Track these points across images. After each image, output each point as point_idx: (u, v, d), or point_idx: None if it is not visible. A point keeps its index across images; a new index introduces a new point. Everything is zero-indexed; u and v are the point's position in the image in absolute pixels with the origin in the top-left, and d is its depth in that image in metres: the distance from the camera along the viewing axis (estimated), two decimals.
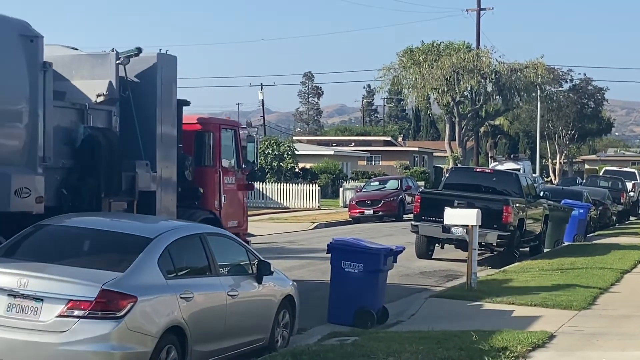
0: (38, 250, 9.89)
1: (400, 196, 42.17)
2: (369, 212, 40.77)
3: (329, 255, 14.90)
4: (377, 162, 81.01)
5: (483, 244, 22.39)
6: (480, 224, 17.72)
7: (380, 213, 41.04)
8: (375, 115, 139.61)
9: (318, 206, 49.01)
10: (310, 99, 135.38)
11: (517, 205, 23.78)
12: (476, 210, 17.85)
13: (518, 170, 38.50)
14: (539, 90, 57.04)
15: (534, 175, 51.29)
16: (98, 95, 13.82)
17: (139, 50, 14.36)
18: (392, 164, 75.36)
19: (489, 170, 30.28)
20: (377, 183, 46.19)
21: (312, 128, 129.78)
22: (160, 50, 14.87)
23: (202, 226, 11.36)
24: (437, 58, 52.07)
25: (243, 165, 18.17)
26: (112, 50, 14.17)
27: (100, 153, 13.18)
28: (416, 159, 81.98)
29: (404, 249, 16.02)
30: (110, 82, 13.91)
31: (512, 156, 63.13)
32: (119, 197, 13.56)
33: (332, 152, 69.93)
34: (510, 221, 22.95)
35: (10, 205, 11.48)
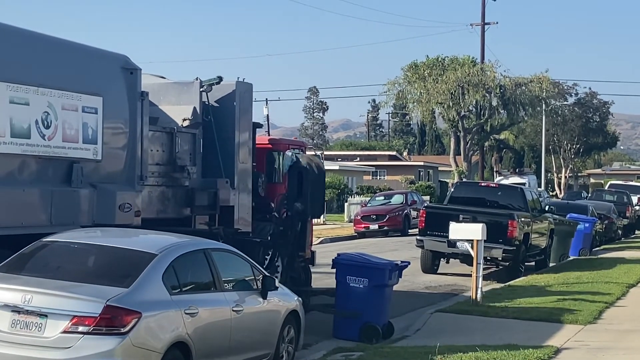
0: (43, 265, 9.88)
1: (406, 211, 42.15)
2: (374, 226, 40.73)
3: (334, 270, 14.91)
4: (382, 177, 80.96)
5: (488, 258, 22.38)
6: (485, 238, 17.70)
7: (385, 228, 41.01)
8: (380, 129, 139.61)
9: (323, 221, 48.93)
10: (315, 114, 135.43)
11: (523, 219, 23.75)
12: (481, 224, 17.83)
13: (523, 184, 38.56)
14: (543, 105, 57.15)
15: (539, 189, 51.24)
16: (184, 120, 15.41)
17: (220, 78, 15.78)
18: (397, 179, 75.32)
19: (494, 185, 30.29)
20: (382, 198, 46.17)
21: (317, 143, 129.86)
22: (238, 78, 16.32)
23: (207, 241, 11.36)
24: (442, 72, 52.18)
25: None
26: (197, 78, 15.68)
27: (189, 172, 14.91)
28: (421, 173, 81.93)
29: (409, 264, 16.13)
30: (194, 108, 15.54)
31: (517, 170, 63.23)
32: (203, 211, 15.23)
33: (337, 167, 69.91)
34: (515, 236, 22.91)
35: (115, 219, 12.80)
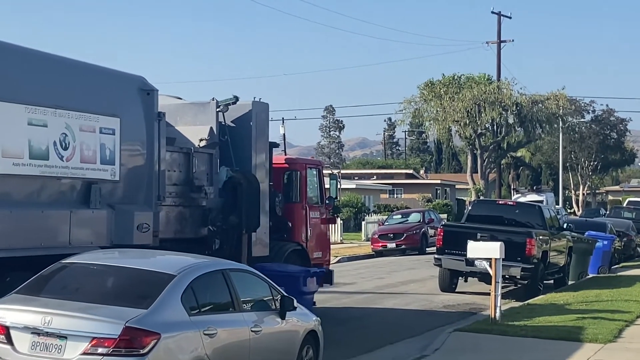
0: (62, 287, 9.90)
1: (423, 229, 42.06)
2: (391, 245, 40.65)
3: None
4: (399, 195, 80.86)
5: (507, 276, 22.27)
6: (503, 256, 17.65)
7: (403, 246, 40.93)
8: (397, 148, 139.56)
9: (341, 240, 48.87)
10: (331, 133, 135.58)
11: (541, 237, 23.66)
12: (499, 243, 17.78)
13: (541, 202, 38.35)
14: (560, 122, 57.02)
15: (557, 206, 51.05)
16: (201, 140, 15.49)
17: (236, 98, 15.88)
18: (415, 197, 75.20)
19: (512, 203, 30.19)
20: (399, 216, 46.09)
21: (334, 161, 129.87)
22: (254, 98, 16.41)
23: (225, 262, 11.36)
24: (458, 91, 52.19)
25: (326, 201, 19.83)
26: (213, 99, 15.76)
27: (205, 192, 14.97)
28: (438, 191, 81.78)
29: (325, 270, 17.18)
30: (211, 128, 15.63)
31: (534, 188, 62.86)
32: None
33: (354, 186, 69.85)
34: (533, 254, 22.83)
35: (133, 239, 12.90)
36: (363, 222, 53.47)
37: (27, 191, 11.78)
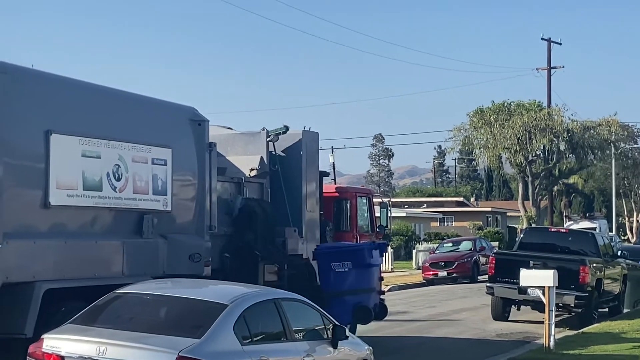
0: (116, 317, 9.96)
1: (474, 257, 41.78)
2: (442, 273, 40.42)
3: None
4: (449, 223, 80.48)
5: (560, 305, 22.03)
6: (557, 284, 17.46)
7: (454, 275, 40.65)
8: (447, 175, 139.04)
9: (391, 268, 48.69)
10: (381, 161, 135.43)
11: (595, 265, 23.40)
12: (552, 271, 17.61)
13: (594, 229, 37.94)
14: (613, 148, 56.40)
15: (610, 233, 50.44)
16: (251, 170, 15.66)
17: (287, 128, 15.94)
18: (465, 225, 74.79)
19: (564, 230, 29.88)
20: (450, 244, 45.85)
21: (383, 190, 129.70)
22: (304, 127, 16.51)
23: (277, 291, 11.37)
24: (508, 117, 51.90)
25: (377, 229, 19.78)
26: (263, 129, 15.86)
27: (257, 221, 14.86)
28: (489, 219, 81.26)
29: (387, 244, 17.76)
30: (261, 158, 15.80)
31: (587, 215, 62.14)
32: (271, 260, 15.17)
33: (404, 214, 69.67)
34: (587, 281, 22.56)
35: (185, 269, 13.00)
36: (414, 251, 53.25)
37: (81, 222, 11.92)
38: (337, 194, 18.90)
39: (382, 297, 18.50)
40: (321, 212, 17.11)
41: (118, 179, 12.22)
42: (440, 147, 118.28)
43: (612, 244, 29.39)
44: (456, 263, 40.87)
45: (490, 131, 51.80)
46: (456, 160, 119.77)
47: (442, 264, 40.94)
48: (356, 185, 23.71)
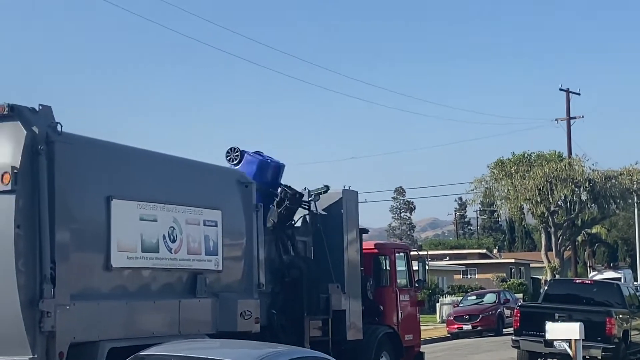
0: None
1: (499, 310, 41.61)
2: (467, 327, 40.27)
3: None
4: (472, 276, 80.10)
5: (587, 357, 21.90)
6: (583, 337, 17.36)
7: (479, 328, 40.50)
8: (469, 227, 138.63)
9: None
10: (402, 214, 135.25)
11: (621, 316, 23.31)
12: (579, 323, 17.60)
13: (619, 279, 37.82)
14: (635, 197, 56.16)
15: (635, 283, 50.10)
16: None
17: (327, 187, 16.52)
18: (489, 277, 74.42)
19: (589, 281, 29.79)
20: (474, 297, 45.70)
21: (407, 244, 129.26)
22: (344, 186, 17.06)
23: (303, 350, 11.36)
24: (529, 169, 51.90)
25: (415, 284, 20.27)
26: (305, 188, 16.35)
27: (302, 278, 15.32)
28: (513, 270, 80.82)
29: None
30: (304, 217, 16.33)
31: (611, 265, 61.96)
32: (316, 316, 15.68)
33: (427, 267, 69.36)
34: (614, 333, 22.47)
35: (237, 326, 13.51)
36: (437, 304, 53.06)
37: (140, 283, 12.49)
38: (376, 250, 19.32)
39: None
40: (361, 268, 17.48)
41: (173, 241, 12.79)
42: (461, 199, 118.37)
43: (638, 294, 29.20)
44: (481, 316, 40.72)
45: (511, 182, 51.78)
46: (478, 212, 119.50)
47: (467, 317, 40.80)
48: (396, 241, 23.98)
